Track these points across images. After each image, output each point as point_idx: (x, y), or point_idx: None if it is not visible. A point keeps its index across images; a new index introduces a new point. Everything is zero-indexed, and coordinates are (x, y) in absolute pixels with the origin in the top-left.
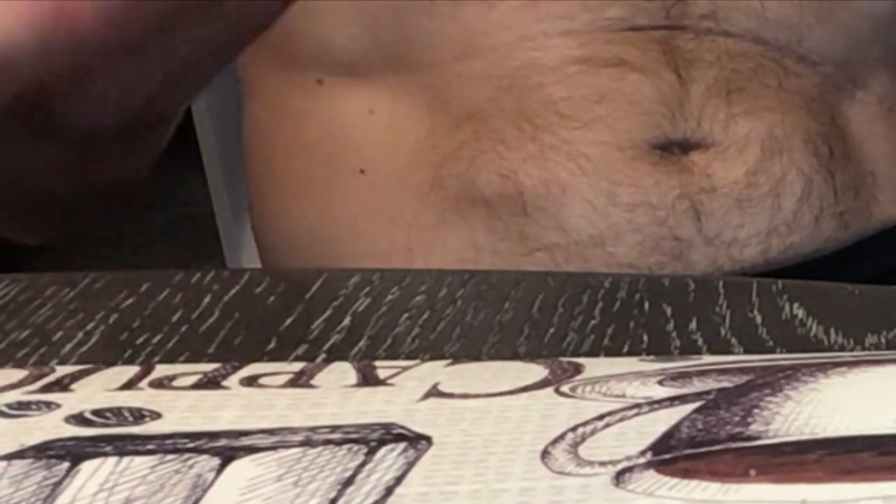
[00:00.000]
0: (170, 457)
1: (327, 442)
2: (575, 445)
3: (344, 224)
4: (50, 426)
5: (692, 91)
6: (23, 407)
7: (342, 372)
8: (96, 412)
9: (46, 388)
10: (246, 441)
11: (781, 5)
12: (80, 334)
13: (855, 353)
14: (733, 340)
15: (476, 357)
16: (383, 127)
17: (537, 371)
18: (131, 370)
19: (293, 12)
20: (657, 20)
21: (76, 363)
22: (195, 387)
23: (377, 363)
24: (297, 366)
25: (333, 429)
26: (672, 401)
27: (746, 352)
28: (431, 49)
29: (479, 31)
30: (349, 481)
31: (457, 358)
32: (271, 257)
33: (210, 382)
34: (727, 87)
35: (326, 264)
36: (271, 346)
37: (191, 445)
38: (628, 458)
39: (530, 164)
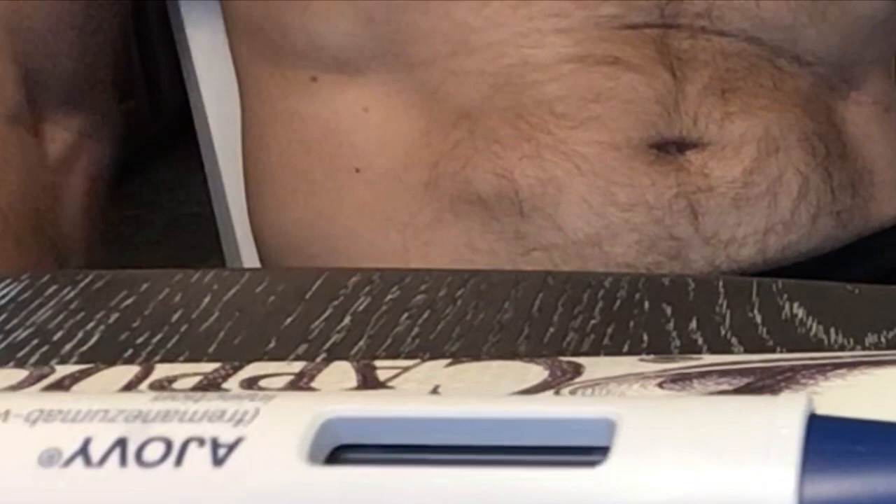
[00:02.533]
0: None
1: None
2: None
3: (340, 223)
4: None
5: (687, 90)
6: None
7: (342, 373)
8: None
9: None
10: None
11: (776, 5)
12: (81, 334)
13: (854, 353)
14: (733, 340)
15: (476, 357)
16: (378, 125)
17: (537, 372)
18: (132, 370)
19: (287, 8)
20: (652, 18)
21: (76, 363)
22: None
23: (377, 363)
24: (298, 366)
25: None
26: None
27: (746, 351)
28: (425, 46)
29: (473, 28)
30: None
31: (457, 357)
32: (270, 256)
33: (210, 384)
34: (722, 87)
35: (324, 264)
36: (271, 345)
37: None
38: None
39: (526, 163)
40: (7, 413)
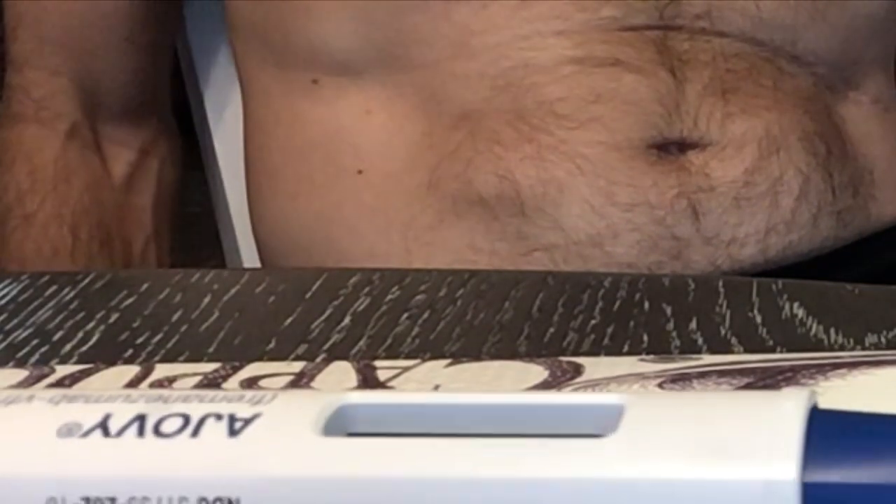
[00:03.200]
0: None
1: None
2: None
3: (342, 224)
4: None
5: (688, 91)
6: None
7: (342, 373)
8: None
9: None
10: None
11: (776, 5)
12: (80, 334)
13: (854, 353)
14: (733, 340)
15: (476, 357)
16: (380, 127)
17: (537, 372)
18: (132, 370)
19: (288, 11)
20: (651, 20)
21: (76, 363)
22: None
23: (377, 363)
24: (298, 366)
25: None
26: None
27: (746, 351)
28: (426, 48)
29: (473, 31)
30: None
31: (457, 357)
32: (271, 257)
33: (210, 384)
34: (723, 87)
35: (325, 264)
36: (271, 345)
37: None
38: None
39: (527, 164)
40: (32, 397)
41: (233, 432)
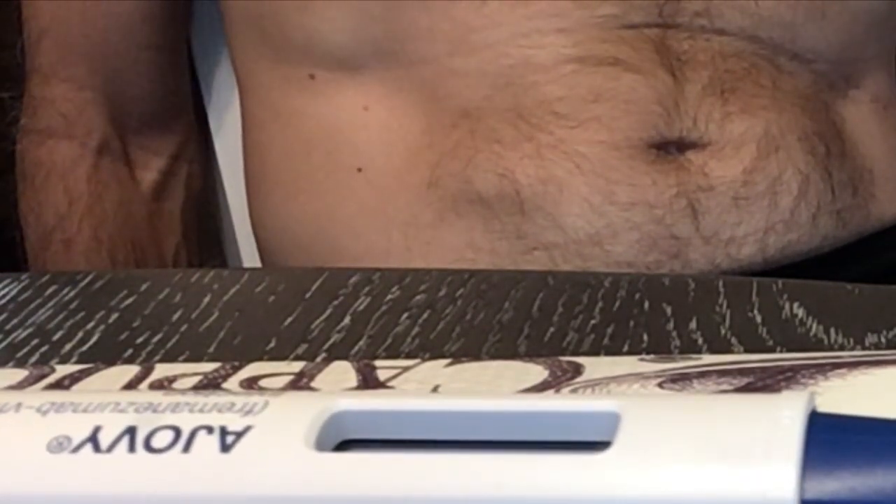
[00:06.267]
0: None
1: None
2: None
3: (342, 223)
4: None
5: (687, 90)
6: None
7: (342, 373)
8: None
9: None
10: None
11: (775, 3)
12: (81, 334)
13: (854, 353)
14: (733, 340)
15: (476, 357)
16: (379, 124)
17: (537, 372)
18: (132, 370)
19: (284, 3)
20: (651, 18)
21: (76, 363)
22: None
23: (377, 363)
24: (298, 366)
25: None
26: None
27: (746, 351)
28: (424, 44)
29: (473, 27)
30: None
31: (457, 357)
32: (271, 256)
33: (210, 384)
34: (721, 87)
35: (325, 263)
36: (271, 345)
37: None
38: None
39: (527, 163)
40: (19, 405)
41: (224, 447)
